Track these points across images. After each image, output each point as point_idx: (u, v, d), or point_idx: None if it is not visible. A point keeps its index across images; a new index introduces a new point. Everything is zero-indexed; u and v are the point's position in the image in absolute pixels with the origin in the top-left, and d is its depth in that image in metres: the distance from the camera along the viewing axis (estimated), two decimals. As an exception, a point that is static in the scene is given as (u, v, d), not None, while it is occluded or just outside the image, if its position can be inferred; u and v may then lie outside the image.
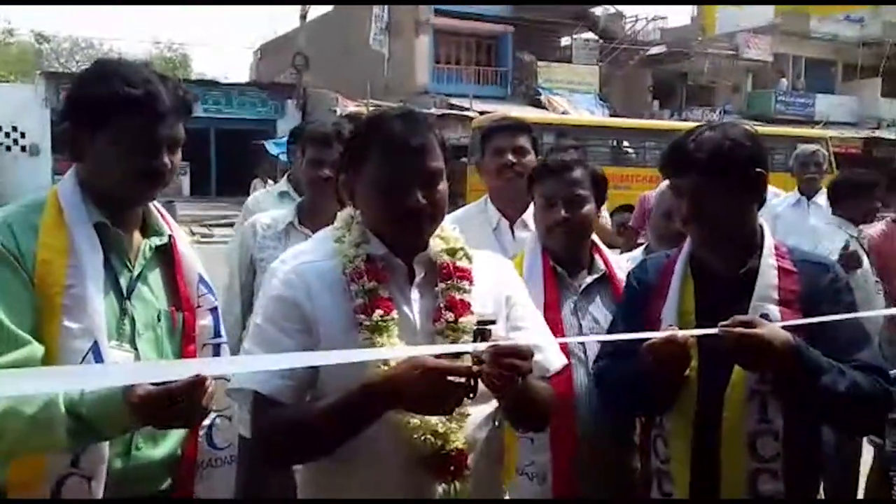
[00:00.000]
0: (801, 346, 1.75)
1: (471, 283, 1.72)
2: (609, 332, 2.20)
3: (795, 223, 5.21)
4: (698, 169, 1.88)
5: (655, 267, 2.11)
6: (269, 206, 3.66)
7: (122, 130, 1.63)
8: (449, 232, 1.79)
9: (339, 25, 27.55)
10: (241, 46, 49.88)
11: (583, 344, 2.27)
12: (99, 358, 1.59)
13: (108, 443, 1.59)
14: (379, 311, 1.61)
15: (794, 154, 5.77)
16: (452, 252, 1.74)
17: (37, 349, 1.54)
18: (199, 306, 1.82)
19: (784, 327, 1.77)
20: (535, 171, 2.53)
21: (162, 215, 1.83)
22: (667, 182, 2.79)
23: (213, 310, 1.85)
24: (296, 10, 25.67)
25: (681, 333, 1.78)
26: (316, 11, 27.08)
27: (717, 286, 1.95)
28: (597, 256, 2.45)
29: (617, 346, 2.04)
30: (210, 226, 18.37)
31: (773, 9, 30.28)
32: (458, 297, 1.68)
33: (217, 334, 1.85)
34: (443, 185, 1.69)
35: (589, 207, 2.39)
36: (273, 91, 24.91)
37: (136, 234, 1.77)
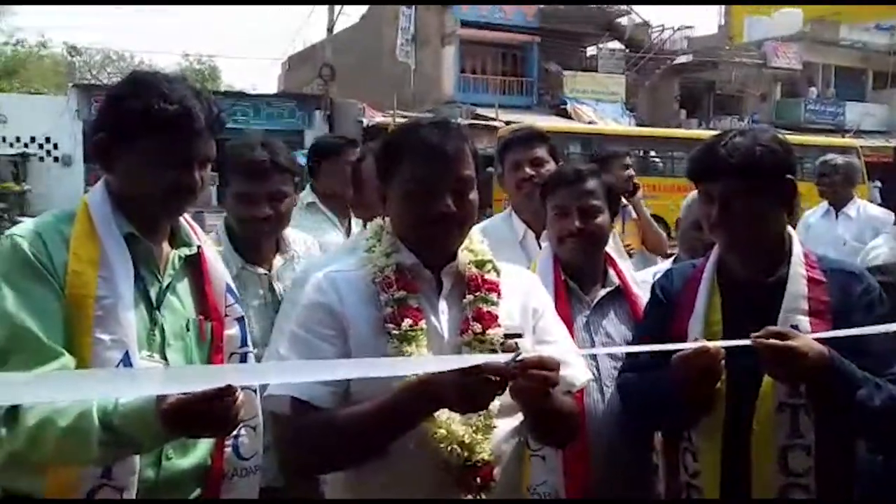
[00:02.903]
0: (835, 358, 1.72)
1: (499, 295, 1.72)
2: (634, 341, 2.17)
3: (823, 234, 5.16)
4: (730, 174, 1.85)
5: (681, 276, 2.08)
6: (300, 216, 3.70)
7: (155, 145, 1.64)
8: (477, 244, 1.79)
9: (365, 37, 27.74)
10: (269, 58, 50.34)
11: (595, 361, 2.22)
12: (129, 366, 1.59)
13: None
14: (408, 321, 1.62)
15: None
16: (481, 264, 1.75)
17: (68, 361, 1.55)
18: (226, 316, 1.83)
19: (817, 339, 1.74)
20: (549, 181, 2.51)
21: (191, 226, 1.85)
22: (695, 193, 2.78)
23: (240, 319, 1.86)
24: (323, 21, 25.91)
25: (712, 345, 1.74)
26: (343, 23, 27.32)
27: (744, 295, 1.92)
28: (611, 269, 2.40)
29: (641, 360, 2.01)
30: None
31: (801, 17, 29.98)
32: (485, 309, 1.68)
33: (244, 343, 1.86)
34: (473, 194, 1.70)
35: (603, 218, 2.35)
36: (300, 102, 25.09)
37: (165, 245, 1.78)
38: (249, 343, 1.89)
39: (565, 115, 25.15)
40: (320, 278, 1.73)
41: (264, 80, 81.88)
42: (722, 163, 1.86)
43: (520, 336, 1.65)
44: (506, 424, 1.65)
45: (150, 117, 1.62)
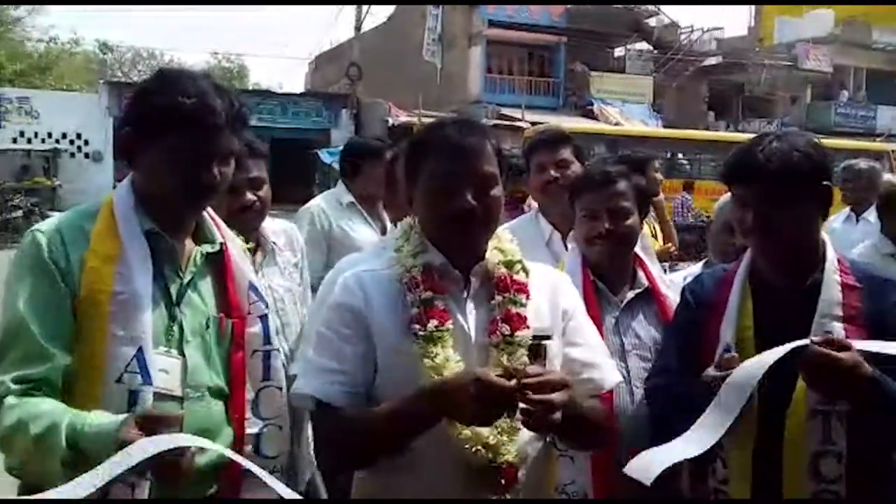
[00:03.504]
0: (876, 375, 1.68)
1: (527, 296, 1.71)
2: (662, 347, 2.15)
3: (841, 239, 5.11)
4: (767, 179, 1.82)
5: (712, 281, 2.05)
6: (335, 214, 3.74)
7: (175, 141, 1.64)
8: (507, 243, 1.78)
9: (392, 36, 27.83)
10: (297, 58, 50.66)
11: (625, 362, 2.21)
12: (143, 364, 1.61)
13: None
14: (434, 322, 1.62)
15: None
16: (510, 264, 1.74)
17: (60, 363, 1.57)
18: (249, 313, 1.82)
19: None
20: (577, 183, 2.50)
21: (215, 222, 1.85)
22: (727, 196, 2.76)
23: (263, 317, 1.85)
24: (350, 21, 26.04)
25: (760, 362, 1.69)
26: (370, 23, 27.43)
27: (777, 301, 1.89)
28: (640, 271, 2.38)
29: (670, 363, 2.00)
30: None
31: (833, 19, 29.60)
32: (514, 310, 1.67)
33: (267, 341, 1.84)
34: (496, 191, 1.69)
35: (633, 220, 2.33)
36: (327, 101, 25.25)
37: (189, 242, 1.78)
38: (273, 340, 1.88)
39: (591, 115, 25.06)
40: (348, 278, 1.74)
41: (291, 79, 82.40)
42: (759, 167, 1.83)
43: (548, 338, 1.64)
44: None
45: (170, 113, 1.62)
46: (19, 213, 18.62)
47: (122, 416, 1.49)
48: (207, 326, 1.75)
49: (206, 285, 1.78)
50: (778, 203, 1.82)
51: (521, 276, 1.73)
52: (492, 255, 1.74)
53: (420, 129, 1.86)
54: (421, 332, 1.61)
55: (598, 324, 2.19)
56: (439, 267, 1.70)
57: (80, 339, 1.59)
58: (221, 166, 1.69)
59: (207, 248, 1.78)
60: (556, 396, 1.45)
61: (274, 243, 2.61)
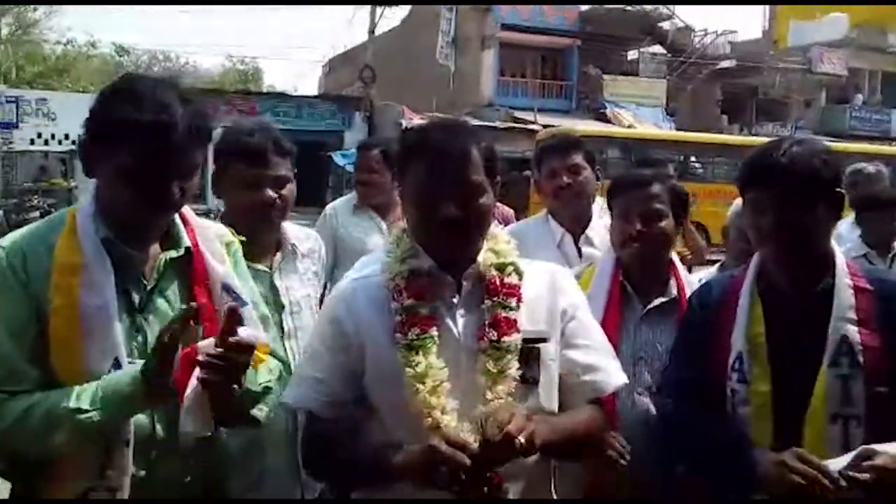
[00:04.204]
0: None
1: (518, 300, 1.67)
2: (672, 355, 2.12)
3: (845, 243, 5.11)
4: (789, 182, 1.80)
5: (720, 288, 2.03)
6: (345, 217, 3.78)
7: (132, 157, 1.56)
8: (502, 244, 1.73)
9: (406, 39, 27.89)
10: (311, 60, 50.80)
11: (634, 368, 2.21)
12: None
13: (131, 454, 1.60)
14: (415, 330, 1.60)
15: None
16: (501, 267, 1.69)
17: (40, 383, 1.57)
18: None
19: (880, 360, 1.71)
20: (613, 185, 2.48)
21: (186, 223, 1.77)
22: (740, 200, 2.77)
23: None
24: (364, 25, 26.12)
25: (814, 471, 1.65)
26: (384, 26, 27.51)
27: (788, 307, 1.88)
28: (672, 279, 2.36)
29: (680, 378, 1.98)
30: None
31: (847, 22, 29.43)
32: (502, 314, 1.63)
33: None
34: (484, 199, 1.64)
35: (666, 223, 2.32)
36: (341, 104, 25.31)
37: (155, 247, 1.72)
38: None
39: (605, 119, 25.02)
40: (338, 287, 1.77)
41: (305, 81, 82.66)
42: (781, 170, 1.81)
43: (544, 340, 1.66)
44: None
45: (128, 127, 1.54)
46: (37, 213, 18.79)
47: (136, 365, 1.55)
48: None
49: (174, 290, 1.72)
50: (798, 206, 1.80)
51: (512, 279, 1.69)
52: (485, 257, 1.70)
53: (409, 131, 1.82)
54: (402, 341, 1.60)
55: (615, 327, 2.23)
56: (428, 271, 1.67)
57: (56, 353, 1.57)
58: (182, 182, 1.62)
59: (172, 253, 1.72)
60: (516, 446, 1.41)
61: (294, 245, 2.55)
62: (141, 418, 1.62)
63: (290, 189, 2.44)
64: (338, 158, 21.14)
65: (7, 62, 33.39)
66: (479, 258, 1.69)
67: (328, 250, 3.56)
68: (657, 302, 2.32)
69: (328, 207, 3.95)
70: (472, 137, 1.67)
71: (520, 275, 1.70)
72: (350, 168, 19.27)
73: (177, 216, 1.74)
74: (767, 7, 33.26)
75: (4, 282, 1.58)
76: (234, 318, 1.53)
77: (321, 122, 24.72)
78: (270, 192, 2.35)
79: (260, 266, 2.40)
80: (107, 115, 1.59)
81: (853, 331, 1.81)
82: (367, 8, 25.65)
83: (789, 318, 1.86)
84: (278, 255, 2.49)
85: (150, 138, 1.54)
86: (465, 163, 1.62)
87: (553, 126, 19.18)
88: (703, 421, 1.92)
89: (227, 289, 1.76)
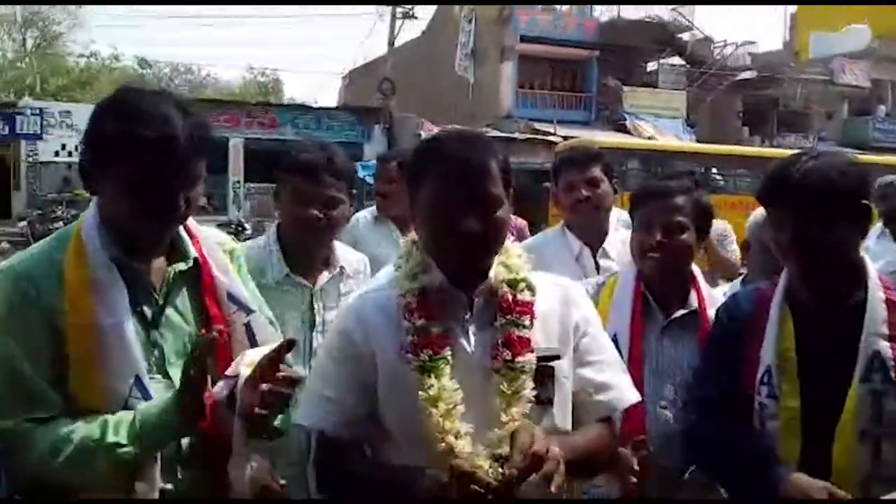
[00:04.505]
0: None
1: (532, 317, 1.63)
2: (698, 371, 2.10)
3: (875, 256, 5.04)
4: (803, 200, 1.77)
5: (749, 302, 1.99)
6: (366, 229, 3.79)
7: (133, 172, 1.54)
8: (514, 258, 1.69)
9: (425, 51, 28.03)
10: (331, 72, 51.17)
11: (655, 381, 2.21)
12: (144, 391, 1.59)
13: (159, 468, 1.60)
14: (428, 351, 1.56)
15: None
16: (514, 283, 1.65)
17: (59, 406, 1.56)
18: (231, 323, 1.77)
19: None
20: (636, 196, 2.46)
21: (191, 234, 1.75)
22: (760, 212, 2.74)
23: (246, 325, 1.78)
24: (384, 37, 26.29)
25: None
26: (403, 38, 27.66)
27: (818, 321, 1.84)
28: (693, 291, 2.34)
29: (708, 393, 1.96)
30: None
31: (869, 34, 29.21)
32: (516, 333, 1.60)
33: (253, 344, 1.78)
34: (501, 212, 1.60)
35: (687, 235, 2.29)
36: (360, 116, 25.44)
37: (161, 261, 1.71)
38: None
39: (624, 130, 24.96)
40: (350, 302, 1.73)
41: (325, 93, 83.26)
42: (795, 187, 1.78)
43: (557, 358, 1.63)
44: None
45: (126, 141, 1.52)
46: (60, 224, 19.05)
47: (170, 395, 1.55)
48: (188, 344, 1.69)
49: (184, 302, 1.72)
50: (815, 224, 1.77)
51: (525, 295, 1.64)
52: (497, 273, 1.66)
53: (422, 141, 1.77)
54: (415, 363, 1.57)
55: (641, 339, 2.23)
56: (439, 287, 1.63)
57: (75, 375, 1.56)
58: (186, 191, 1.60)
59: (181, 265, 1.71)
60: (549, 471, 1.40)
61: (343, 268, 2.57)
62: None
63: (340, 210, 2.46)
64: (358, 170, 21.22)
65: (32, 75, 33.92)
66: (491, 273, 1.65)
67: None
68: (678, 314, 2.31)
69: (353, 217, 3.97)
70: (489, 148, 1.63)
71: (532, 291, 1.66)
72: (370, 179, 19.33)
73: (181, 227, 1.73)
74: (788, 18, 33.14)
75: (18, 307, 1.56)
76: (282, 355, 1.54)
77: (341, 134, 24.83)
78: (316, 211, 2.39)
79: (303, 280, 2.47)
80: (107, 130, 1.55)
81: (886, 346, 1.77)
82: (387, 20, 25.84)
83: (820, 333, 1.82)
84: (325, 273, 2.52)
85: (153, 151, 1.52)
86: (484, 175, 1.59)
87: (573, 137, 19.15)
88: (729, 435, 1.90)
89: (233, 298, 1.76)
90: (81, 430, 1.53)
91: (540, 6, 26.86)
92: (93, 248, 1.61)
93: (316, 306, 2.48)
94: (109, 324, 1.57)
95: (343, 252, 2.64)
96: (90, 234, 1.62)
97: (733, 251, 4.48)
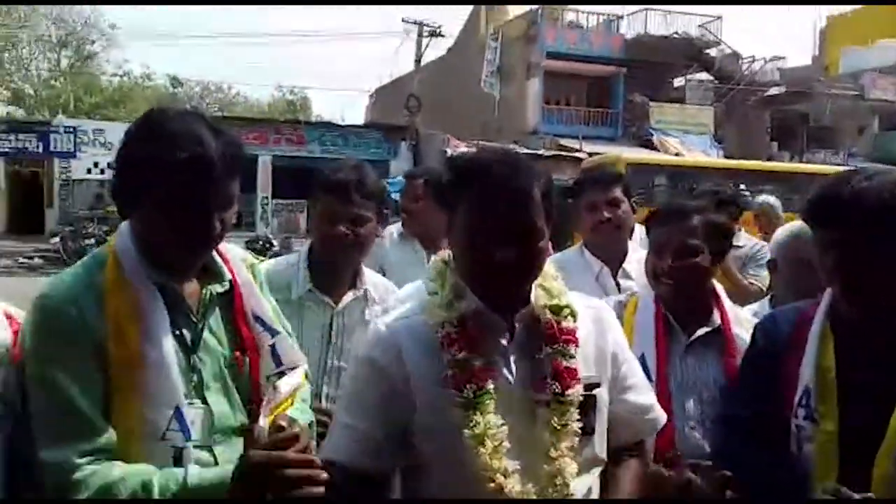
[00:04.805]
0: None
1: (577, 346, 1.58)
2: (733, 390, 2.06)
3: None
4: (856, 222, 1.69)
5: (787, 321, 1.93)
6: (392, 245, 3.80)
7: (168, 194, 1.52)
8: (552, 281, 1.64)
9: (451, 69, 28.20)
10: (358, 90, 51.63)
11: (682, 400, 2.18)
12: (182, 421, 1.56)
13: None
14: (472, 386, 1.50)
15: None
16: (557, 309, 1.60)
17: (112, 434, 1.51)
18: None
19: None
20: (652, 216, 2.44)
21: (221, 255, 1.73)
22: (786, 230, 2.73)
23: (271, 347, 1.76)
24: (411, 54, 26.51)
25: None
26: (430, 55, 27.85)
27: (861, 342, 1.78)
28: (716, 309, 2.31)
29: (741, 414, 1.92)
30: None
31: (902, 47, 28.90)
32: (564, 364, 1.55)
33: (278, 365, 1.76)
34: (542, 243, 1.54)
35: (701, 258, 2.24)
36: (387, 133, 25.62)
37: (194, 281, 1.69)
38: (284, 362, 1.78)
39: (651, 146, 24.87)
40: (380, 330, 1.62)
41: (352, 111, 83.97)
42: (848, 210, 1.69)
43: (598, 386, 1.61)
44: (582, 483, 1.58)
45: (160, 164, 1.49)
46: (92, 241, 19.35)
47: (228, 468, 1.47)
48: (225, 367, 1.68)
49: (217, 323, 1.70)
50: (867, 243, 1.69)
51: (569, 323, 1.59)
52: (537, 297, 1.61)
53: (463, 157, 1.67)
54: (458, 398, 1.50)
55: (666, 358, 2.21)
56: (477, 314, 1.56)
57: (117, 400, 1.53)
58: (221, 213, 1.58)
59: (217, 287, 1.69)
60: None
61: (367, 291, 2.56)
62: (205, 456, 1.60)
63: (368, 229, 2.47)
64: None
65: (66, 93, 34.62)
66: (532, 298, 1.60)
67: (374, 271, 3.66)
68: (700, 332, 2.27)
69: (385, 231, 4.00)
70: (533, 175, 1.54)
71: (575, 317, 1.61)
72: (395, 196, 19.37)
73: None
74: (817, 33, 32.87)
75: (65, 333, 1.51)
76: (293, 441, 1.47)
77: (367, 151, 25.00)
78: (343, 228, 2.40)
79: (327, 298, 2.48)
80: (139, 152, 1.54)
81: None
82: (414, 38, 26.03)
83: (863, 355, 1.77)
84: (349, 294, 2.52)
85: (186, 173, 1.50)
86: (528, 204, 1.51)
87: (599, 154, 19.09)
88: (762, 456, 1.86)
89: (258, 319, 1.74)
90: (131, 480, 1.48)
91: (566, 22, 26.94)
92: (132, 271, 1.59)
93: (335, 325, 2.48)
94: (153, 352, 1.54)
95: (370, 276, 2.64)
96: (126, 256, 1.60)
97: (763, 275, 4.41)
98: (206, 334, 1.66)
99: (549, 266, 1.67)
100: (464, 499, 1.53)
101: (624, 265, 3.09)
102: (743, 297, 4.20)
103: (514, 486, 1.48)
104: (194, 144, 1.51)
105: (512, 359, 1.57)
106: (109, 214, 21.62)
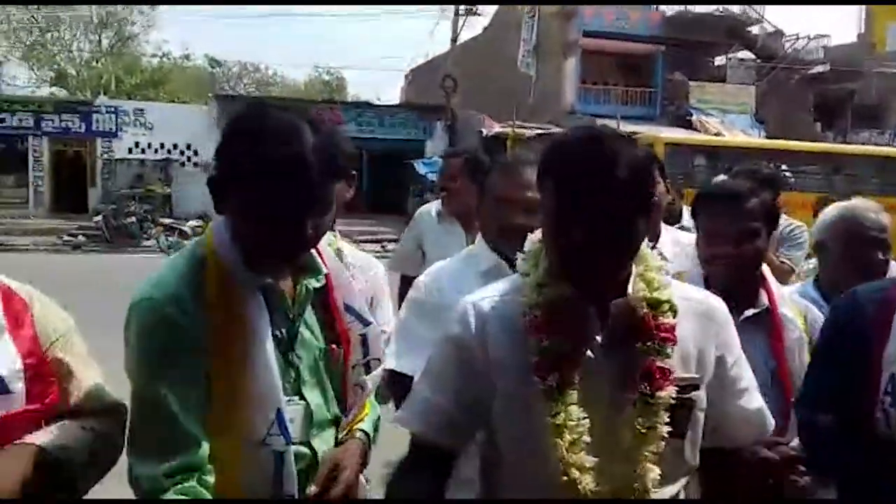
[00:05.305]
0: None
1: (674, 344, 1.48)
2: (810, 372, 2.01)
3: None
4: None
5: (870, 301, 1.85)
6: (431, 224, 3.85)
7: (265, 194, 1.46)
8: (653, 271, 1.53)
9: (487, 48, 28.00)
10: (393, 70, 51.58)
11: None
12: (283, 424, 1.54)
13: None
14: (556, 375, 1.44)
15: None
16: (656, 303, 1.49)
17: (205, 446, 1.48)
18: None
19: None
20: (702, 198, 2.37)
21: (317, 249, 1.69)
22: (828, 211, 2.68)
23: (362, 336, 1.75)
24: (446, 34, 26.38)
25: None
26: (466, 35, 27.71)
27: None
28: (762, 290, 2.26)
29: (821, 395, 1.87)
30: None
31: (953, 24, 28.00)
32: (657, 363, 1.45)
33: (366, 354, 1.76)
34: (641, 226, 1.46)
35: (760, 241, 2.20)
36: (422, 113, 25.61)
37: (288, 277, 1.65)
38: (372, 350, 1.79)
39: (690, 126, 24.50)
40: (465, 307, 1.56)
41: (388, 91, 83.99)
42: None
43: (696, 388, 1.51)
44: (667, 492, 1.51)
45: (258, 163, 1.45)
46: (133, 219, 19.74)
47: None
48: (319, 360, 1.67)
49: (312, 318, 1.68)
50: None
51: (667, 318, 1.49)
52: (635, 287, 1.50)
53: (557, 138, 1.57)
54: (541, 386, 1.44)
55: None
56: (566, 300, 1.47)
57: (216, 404, 1.50)
58: (317, 217, 1.52)
59: (313, 282, 1.66)
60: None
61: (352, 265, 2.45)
62: (303, 451, 1.63)
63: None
64: (419, 167, 21.38)
65: (107, 74, 35.12)
66: (629, 287, 1.50)
67: (415, 248, 3.85)
68: (749, 313, 2.23)
69: (417, 212, 4.11)
70: (616, 153, 1.42)
71: (675, 313, 1.50)
72: (432, 176, 19.48)
73: None
74: (863, 10, 31.96)
75: (173, 341, 1.47)
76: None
77: (403, 131, 25.07)
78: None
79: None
80: (238, 152, 1.49)
81: None
82: (450, 18, 25.90)
83: None
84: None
85: (280, 175, 1.44)
86: (605, 184, 1.41)
87: (637, 134, 18.86)
88: (846, 440, 1.80)
89: (350, 309, 1.72)
90: None
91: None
92: (233, 272, 1.54)
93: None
94: (256, 357, 1.51)
95: (353, 256, 2.58)
96: (226, 255, 1.55)
97: (797, 256, 4.36)
98: (302, 329, 1.64)
99: (651, 253, 1.57)
100: (528, 498, 1.51)
101: (657, 246, 3.07)
102: (776, 276, 4.15)
103: (588, 483, 1.42)
104: (297, 144, 1.45)
105: (602, 351, 1.48)
106: (150, 193, 22.07)
